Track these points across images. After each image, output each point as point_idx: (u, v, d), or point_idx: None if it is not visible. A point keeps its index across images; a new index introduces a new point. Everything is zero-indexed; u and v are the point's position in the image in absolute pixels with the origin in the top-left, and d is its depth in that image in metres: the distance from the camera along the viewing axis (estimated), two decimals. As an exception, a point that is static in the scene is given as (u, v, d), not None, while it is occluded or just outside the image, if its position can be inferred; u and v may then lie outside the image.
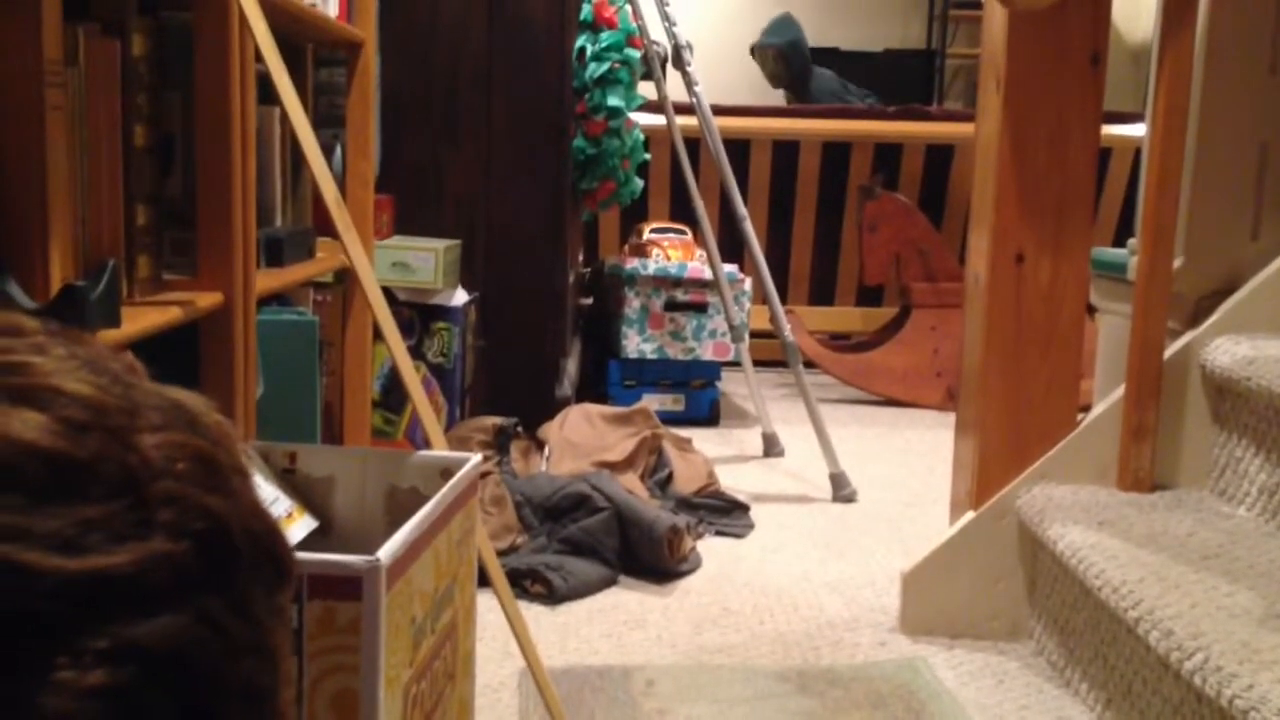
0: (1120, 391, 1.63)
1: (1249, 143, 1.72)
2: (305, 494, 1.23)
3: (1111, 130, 3.48)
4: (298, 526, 1.18)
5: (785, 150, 3.86)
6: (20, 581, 0.33)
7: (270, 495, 1.16)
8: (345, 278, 1.85)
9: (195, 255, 1.27)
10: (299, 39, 1.81)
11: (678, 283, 3.14)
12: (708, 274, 3.05)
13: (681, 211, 3.53)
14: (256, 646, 0.39)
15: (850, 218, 3.92)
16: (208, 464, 0.39)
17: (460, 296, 2.40)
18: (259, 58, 1.27)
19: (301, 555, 0.92)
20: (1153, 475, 1.62)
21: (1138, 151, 3.06)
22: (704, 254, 3.05)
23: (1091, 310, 2.04)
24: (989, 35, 1.69)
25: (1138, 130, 3.32)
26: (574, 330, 3.06)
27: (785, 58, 4.64)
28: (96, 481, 0.35)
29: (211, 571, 0.37)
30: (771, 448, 2.85)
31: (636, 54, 2.81)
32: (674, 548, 1.93)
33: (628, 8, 2.83)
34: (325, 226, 1.46)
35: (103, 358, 0.40)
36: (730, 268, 3.05)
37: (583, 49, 2.75)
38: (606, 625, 1.72)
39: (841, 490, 2.47)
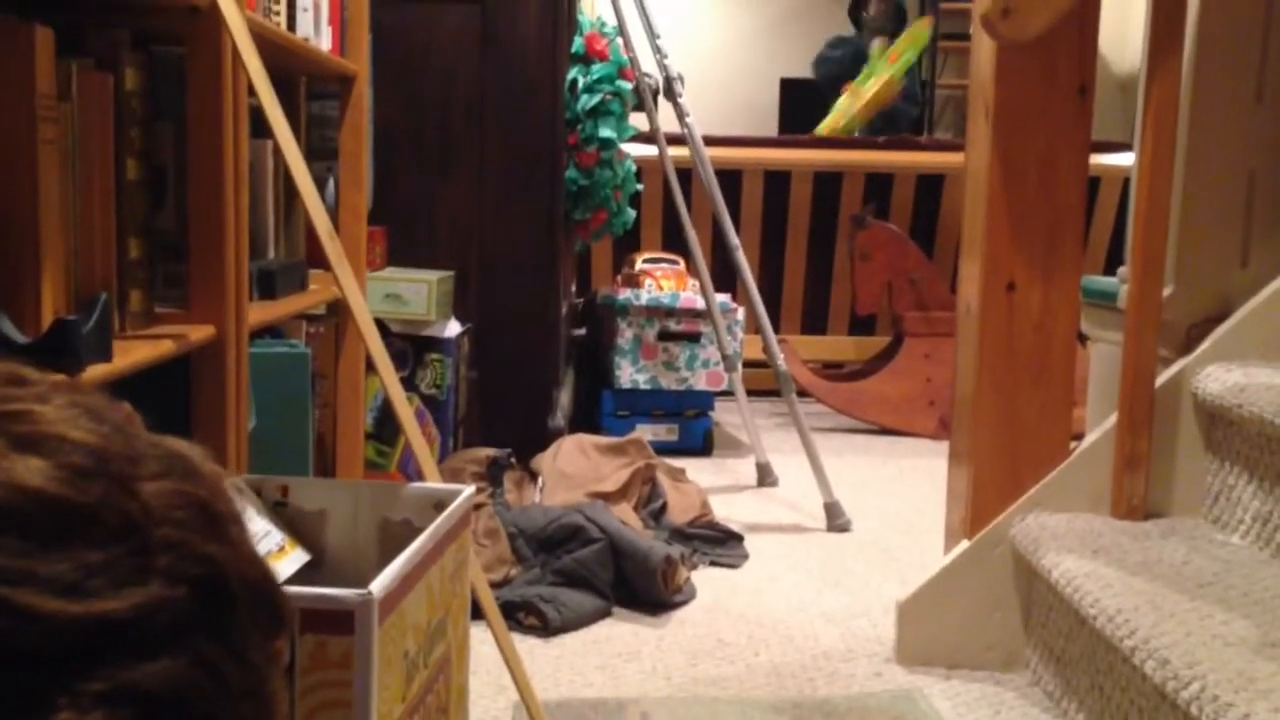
0: (1113, 420, 1.63)
1: (1237, 171, 1.73)
2: (297, 527, 1.23)
3: (1100, 159, 3.50)
4: (290, 560, 1.17)
5: (777, 180, 3.87)
6: (23, 623, 0.33)
7: (262, 529, 1.16)
8: (338, 309, 1.85)
9: (187, 288, 1.27)
10: (292, 72, 1.82)
11: (670, 313, 3.15)
12: (700, 304, 3.06)
13: (674, 242, 3.54)
14: (253, 691, 0.39)
15: (842, 247, 3.93)
16: (206, 512, 0.40)
17: (453, 328, 2.40)
18: (252, 91, 1.27)
19: (293, 589, 0.91)
20: (1146, 503, 1.62)
21: (1127, 180, 3.08)
22: (696, 284, 3.06)
23: (1083, 338, 2.05)
24: (977, 66, 1.70)
25: (1126, 159, 3.34)
26: (567, 361, 3.06)
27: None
28: (98, 527, 0.36)
29: (209, 617, 0.38)
30: (765, 477, 2.84)
31: (628, 86, 2.82)
32: (668, 579, 1.92)
33: (619, 40, 2.85)
34: (318, 258, 1.46)
35: (103, 407, 0.41)
36: (723, 297, 3.05)
37: (575, 81, 2.76)
38: (601, 657, 1.71)
39: (836, 520, 2.47)
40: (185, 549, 0.38)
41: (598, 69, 2.78)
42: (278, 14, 1.56)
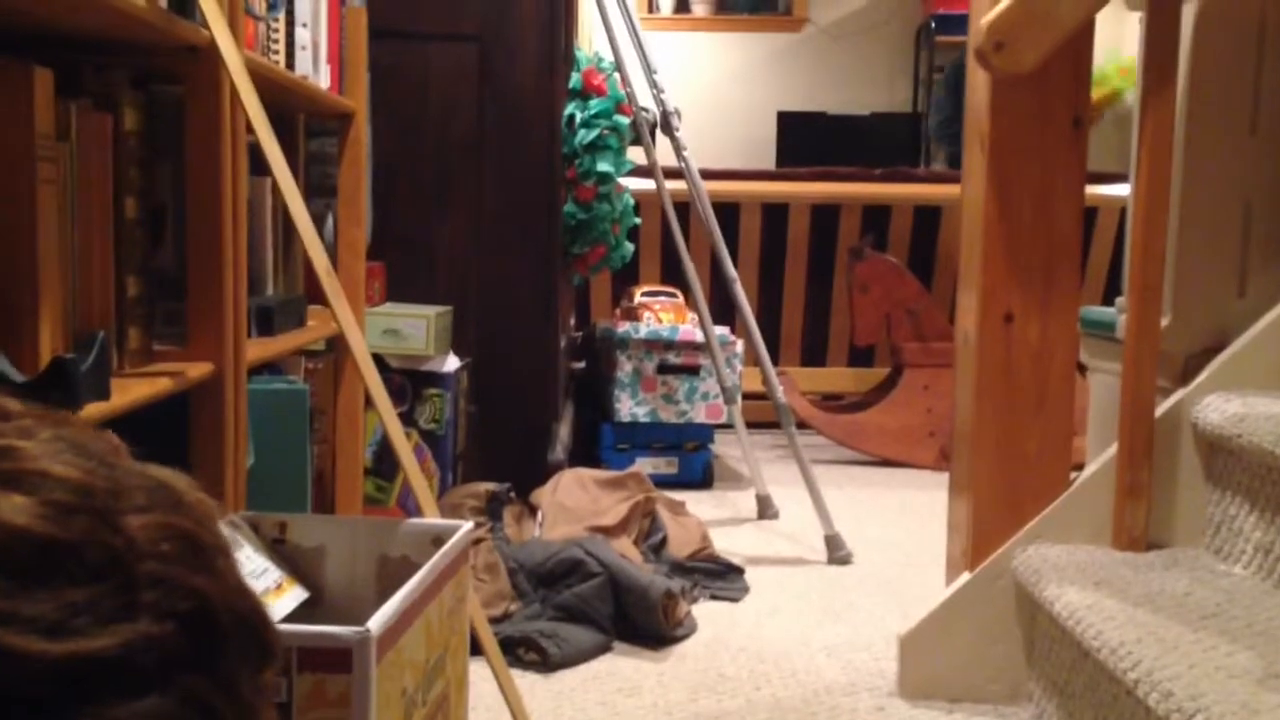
0: (1112, 450, 1.63)
1: (1233, 201, 1.73)
2: (296, 564, 1.22)
3: (1097, 190, 3.51)
4: (288, 597, 1.17)
5: (774, 213, 3.88)
6: (6, 665, 0.33)
7: (260, 566, 1.15)
8: (336, 345, 1.85)
9: (186, 325, 1.27)
10: (290, 110, 1.83)
11: (669, 346, 3.15)
12: (699, 337, 3.06)
13: (672, 275, 3.54)
14: None
15: (840, 279, 3.94)
16: (193, 544, 0.39)
17: (452, 362, 2.40)
18: (250, 129, 1.28)
19: (291, 627, 0.91)
20: (1147, 534, 1.61)
21: (1123, 211, 3.09)
22: (695, 317, 3.06)
23: (1082, 369, 2.05)
24: (972, 99, 1.71)
25: (1123, 190, 3.36)
26: (566, 394, 3.06)
27: None
28: (82, 564, 0.36)
29: (197, 652, 0.37)
30: (766, 510, 2.83)
31: (625, 120, 2.84)
32: (669, 613, 1.91)
33: (616, 75, 2.86)
34: (317, 294, 1.47)
35: (87, 439, 0.40)
36: (722, 330, 3.05)
37: (572, 116, 2.78)
38: (601, 693, 1.70)
39: (837, 552, 2.46)
40: (172, 583, 0.37)
41: (595, 104, 2.80)
42: (276, 53, 1.58)
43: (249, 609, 0.41)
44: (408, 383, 2.33)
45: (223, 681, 0.38)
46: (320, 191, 1.97)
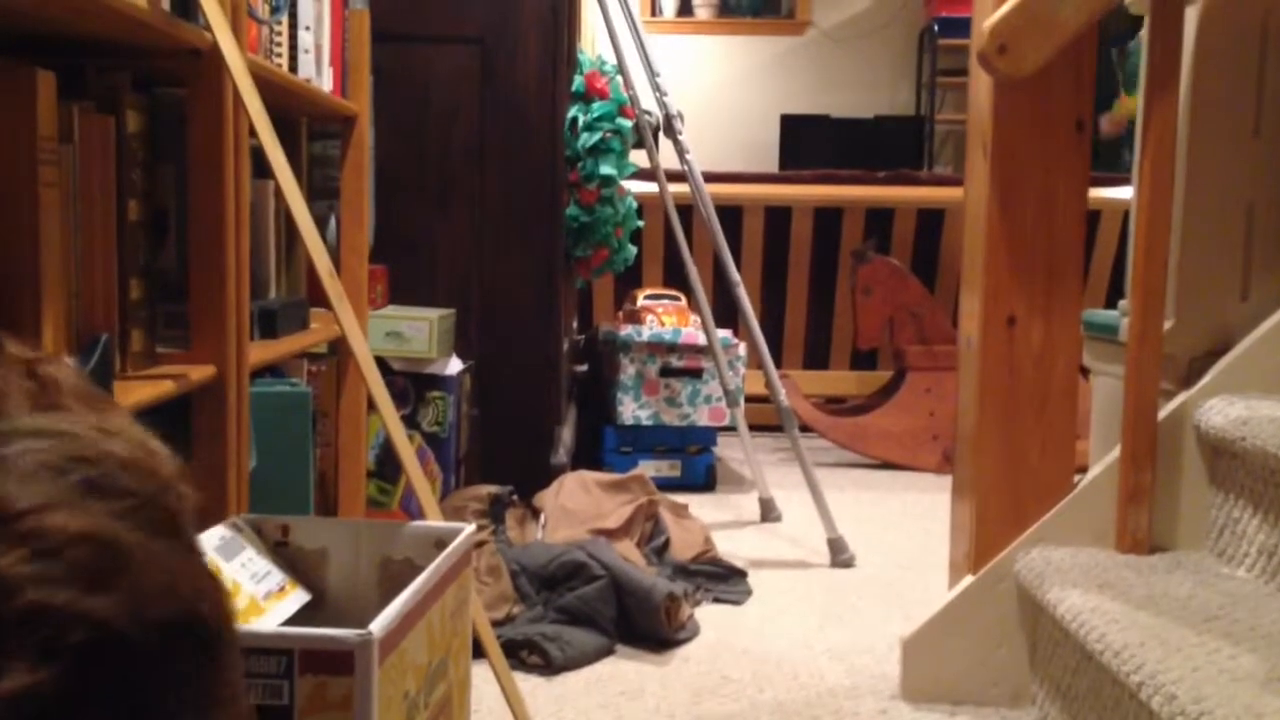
0: (1116, 453, 1.63)
1: (1235, 204, 1.73)
2: (298, 566, 1.22)
3: (1100, 193, 3.51)
4: (290, 600, 1.17)
5: (777, 216, 3.89)
6: None
7: (263, 569, 1.16)
8: (339, 348, 1.85)
9: (188, 328, 1.27)
10: (293, 113, 1.83)
11: (672, 349, 3.15)
12: (702, 340, 3.06)
13: (675, 278, 3.54)
14: None
15: (843, 282, 3.94)
16: (98, 546, 0.32)
17: (454, 365, 2.40)
18: (253, 131, 1.28)
19: (293, 629, 0.91)
20: (1151, 537, 1.61)
21: (1127, 214, 3.09)
22: (698, 320, 3.06)
23: (1085, 372, 2.05)
24: (975, 102, 1.71)
25: (1126, 193, 3.35)
26: (569, 397, 3.06)
27: None
28: None
29: (100, 685, 0.31)
30: (768, 513, 2.83)
31: (628, 123, 2.84)
32: (671, 616, 1.91)
33: (619, 78, 2.86)
34: (320, 297, 1.47)
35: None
36: (724, 333, 3.05)
37: (575, 119, 2.78)
38: (604, 696, 1.70)
39: (840, 555, 2.46)
40: (58, 616, 0.31)
41: (598, 107, 2.80)
42: (279, 56, 1.58)
43: (176, 611, 0.34)
44: (410, 385, 2.33)
45: (141, 706, 0.32)
46: (323, 194, 1.98)
